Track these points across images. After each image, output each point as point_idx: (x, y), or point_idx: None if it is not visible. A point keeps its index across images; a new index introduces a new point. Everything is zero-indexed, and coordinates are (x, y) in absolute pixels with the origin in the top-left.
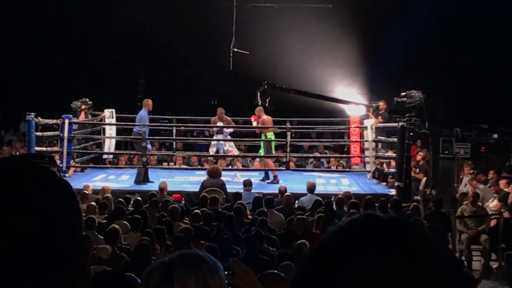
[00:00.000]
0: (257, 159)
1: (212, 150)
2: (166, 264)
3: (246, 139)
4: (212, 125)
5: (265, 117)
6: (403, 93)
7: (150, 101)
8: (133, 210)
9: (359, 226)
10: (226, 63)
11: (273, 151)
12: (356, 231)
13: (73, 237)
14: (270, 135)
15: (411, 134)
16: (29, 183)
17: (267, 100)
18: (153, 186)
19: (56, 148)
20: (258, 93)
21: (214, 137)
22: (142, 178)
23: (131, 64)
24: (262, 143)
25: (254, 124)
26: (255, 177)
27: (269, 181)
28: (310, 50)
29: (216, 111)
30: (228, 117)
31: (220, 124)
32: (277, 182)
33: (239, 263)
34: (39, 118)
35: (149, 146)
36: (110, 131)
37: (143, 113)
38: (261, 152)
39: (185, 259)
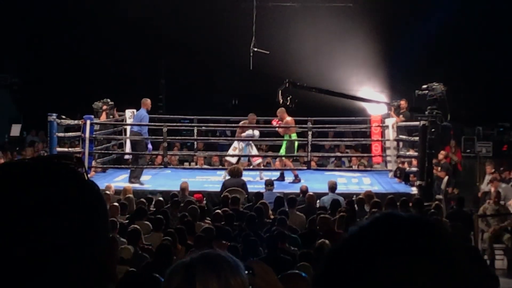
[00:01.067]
0: (278, 159)
1: (232, 152)
2: (187, 264)
3: (267, 138)
4: (239, 125)
5: (288, 118)
6: (424, 86)
7: (148, 100)
8: (155, 210)
9: (380, 226)
10: (247, 62)
11: (296, 152)
12: (376, 231)
13: (99, 238)
14: (294, 136)
15: (433, 130)
16: (56, 184)
17: (288, 98)
18: (164, 187)
19: (78, 149)
20: (280, 91)
21: (239, 141)
22: (139, 178)
23: (152, 64)
24: (284, 143)
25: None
26: (276, 177)
27: (290, 181)
28: (330, 49)
29: (248, 116)
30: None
31: (250, 130)
32: (299, 182)
33: (259, 263)
34: (63, 116)
35: (149, 146)
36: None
37: (143, 112)
38: (282, 151)
39: (206, 259)
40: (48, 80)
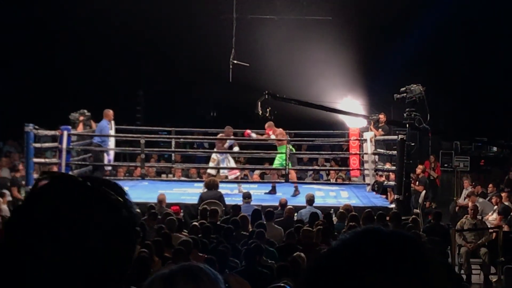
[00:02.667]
0: (257, 172)
1: (211, 163)
2: (166, 276)
3: (245, 151)
4: (218, 137)
5: (279, 130)
6: (402, 89)
7: (111, 111)
8: None
9: (362, 240)
10: (226, 74)
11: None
12: (359, 246)
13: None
14: (285, 147)
15: (412, 144)
16: (93, 212)
17: (268, 109)
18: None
19: (54, 160)
20: (259, 103)
21: (216, 153)
22: None
23: (130, 75)
24: (279, 156)
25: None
26: (254, 189)
27: (292, 194)
28: (310, 61)
29: (224, 129)
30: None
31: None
32: (299, 194)
33: (235, 276)
34: (38, 129)
35: (110, 158)
36: (109, 142)
37: (104, 124)
38: (281, 164)
39: (186, 271)
40: (26, 90)
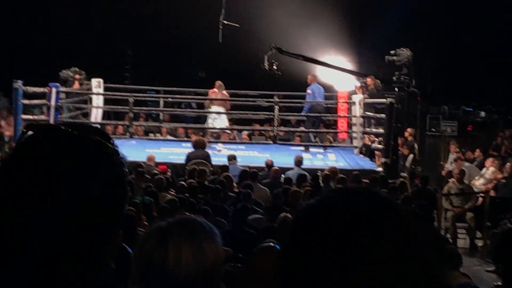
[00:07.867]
0: (245, 132)
1: (211, 123)
2: (163, 228)
3: (234, 112)
4: (208, 97)
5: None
6: (392, 51)
7: None
8: None
9: (332, 201)
10: (215, 35)
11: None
12: (330, 206)
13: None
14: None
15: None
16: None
17: (274, 64)
18: (129, 157)
19: (43, 117)
20: (266, 57)
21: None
22: None
23: (119, 34)
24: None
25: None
26: (242, 150)
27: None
28: (301, 21)
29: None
30: (225, 92)
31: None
32: None
33: None
34: (26, 87)
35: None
36: (98, 100)
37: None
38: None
39: (182, 224)
40: (15, 48)
